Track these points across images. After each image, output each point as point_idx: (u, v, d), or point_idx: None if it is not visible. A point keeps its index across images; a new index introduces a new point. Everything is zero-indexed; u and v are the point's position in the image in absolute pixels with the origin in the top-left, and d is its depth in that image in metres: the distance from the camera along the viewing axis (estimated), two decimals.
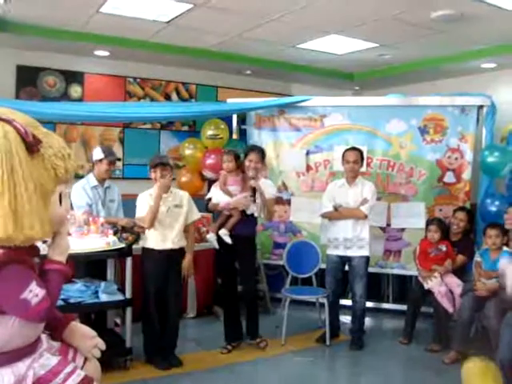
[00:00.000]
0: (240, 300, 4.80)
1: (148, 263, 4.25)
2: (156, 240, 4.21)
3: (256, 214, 4.69)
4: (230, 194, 4.59)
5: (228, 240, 4.54)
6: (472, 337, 4.73)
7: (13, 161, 1.50)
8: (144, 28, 5.47)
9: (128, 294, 4.13)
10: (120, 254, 4.13)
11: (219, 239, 4.58)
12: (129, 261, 4.09)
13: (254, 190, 4.59)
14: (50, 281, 1.72)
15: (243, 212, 4.58)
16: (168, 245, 4.22)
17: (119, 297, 4.14)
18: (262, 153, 4.76)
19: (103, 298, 4.06)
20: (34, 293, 1.61)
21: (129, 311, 4.16)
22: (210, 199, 4.75)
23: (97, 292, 4.08)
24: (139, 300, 4.47)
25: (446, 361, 4.48)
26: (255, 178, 4.66)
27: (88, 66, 6.51)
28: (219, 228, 4.60)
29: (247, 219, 4.63)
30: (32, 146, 1.55)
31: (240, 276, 4.83)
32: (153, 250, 4.22)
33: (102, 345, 1.94)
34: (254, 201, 4.61)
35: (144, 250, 4.29)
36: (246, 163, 4.67)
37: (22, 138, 1.53)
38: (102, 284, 4.17)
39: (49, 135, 1.65)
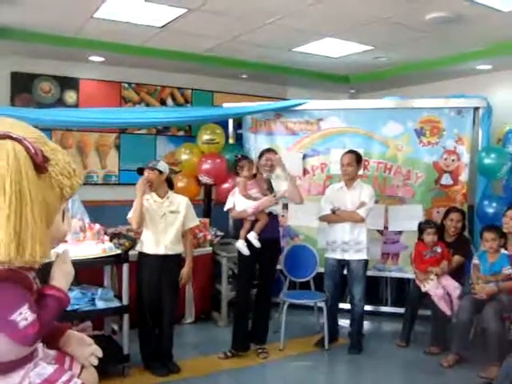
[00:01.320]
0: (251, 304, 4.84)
1: (142, 269, 4.27)
2: (150, 244, 4.22)
3: (280, 214, 4.72)
4: (253, 198, 4.59)
5: (257, 244, 4.53)
6: (471, 339, 4.72)
7: (21, 182, 1.46)
8: (138, 33, 5.45)
9: (125, 301, 4.10)
10: (116, 261, 4.12)
11: (248, 245, 4.56)
12: (125, 267, 4.08)
13: (270, 187, 4.58)
14: (47, 307, 1.68)
15: (270, 214, 4.62)
16: (161, 249, 4.21)
17: (116, 304, 4.11)
18: (276, 153, 4.84)
19: (100, 305, 4.03)
20: (24, 316, 1.57)
21: (125, 318, 4.13)
22: (231, 209, 4.79)
23: (93, 299, 4.05)
24: (136, 306, 4.49)
25: (444, 364, 4.47)
26: (269, 175, 4.69)
27: (83, 72, 6.50)
28: (247, 233, 4.60)
29: (271, 221, 4.64)
30: (41, 166, 1.51)
31: (260, 279, 4.83)
32: (147, 254, 4.22)
33: (99, 352, 1.92)
34: (276, 201, 4.62)
35: (139, 254, 4.30)
36: (262, 163, 4.71)
37: (30, 157, 1.49)
38: (99, 291, 4.14)
39: (56, 151, 1.60)
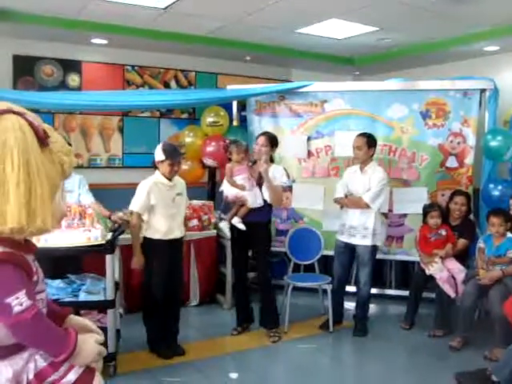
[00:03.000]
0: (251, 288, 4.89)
1: (155, 255, 4.14)
2: (164, 230, 4.12)
3: (269, 201, 4.62)
4: (236, 186, 4.59)
5: (242, 227, 4.58)
6: (476, 322, 4.73)
7: (28, 153, 1.51)
8: (141, 15, 5.40)
9: (109, 295, 3.81)
10: (99, 251, 3.76)
11: (231, 228, 4.65)
12: (108, 258, 3.75)
13: (260, 175, 4.56)
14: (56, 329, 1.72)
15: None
16: (176, 234, 4.21)
17: (100, 297, 3.82)
18: (270, 138, 4.72)
19: (82, 297, 3.80)
20: (20, 301, 1.58)
21: (110, 314, 3.85)
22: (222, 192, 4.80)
23: (80, 290, 3.87)
24: (133, 292, 4.53)
25: (453, 345, 4.47)
26: (258, 160, 4.63)
27: (85, 55, 6.46)
28: (233, 217, 4.64)
29: (259, 207, 4.62)
30: (43, 139, 1.57)
31: (255, 264, 4.84)
32: (161, 240, 4.13)
33: (105, 352, 1.89)
34: (261, 187, 4.57)
35: (150, 241, 4.15)
36: (255, 147, 4.70)
37: (34, 130, 1.55)
38: (88, 281, 4.00)
39: (51, 131, 1.66)
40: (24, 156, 1.50)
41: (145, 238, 4.18)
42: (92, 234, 3.75)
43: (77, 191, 4.69)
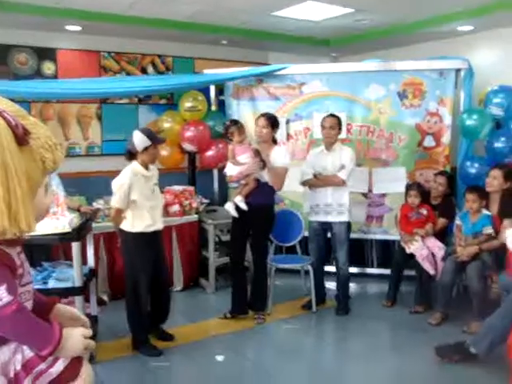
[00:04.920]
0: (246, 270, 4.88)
1: (139, 249, 3.99)
2: (147, 222, 3.98)
3: (270, 183, 4.63)
4: (240, 164, 4.58)
5: (243, 206, 4.55)
6: (454, 297, 4.84)
7: (4, 154, 1.46)
8: (116, 0, 5.34)
9: (78, 282, 3.81)
10: (65, 239, 3.77)
11: (238, 208, 4.60)
12: (75, 246, 3.75)
13: (259, 156, 4.58)
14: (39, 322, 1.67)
15: (258, 180, 4.60)
16: (159, 225, 4.10)
17: (69, 284, 3.82)
18: (271, 118, 4.72)
19: (51, 284, 3.81)
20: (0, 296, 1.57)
21: (78, 300, 3.83)
22: (227, 175, 4.79)
23: (51, 277, 3.88)
24: (118, 279, 4.54)
25: (431, 322, 4.58)
26: (260, 142, 4.68)
27: (60, 42, 6.36)
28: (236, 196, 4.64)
29: (263, 188, 4.62)
30: (22, 138, 1.50)
31: (251, 247, 4.86)
32: (145, 233, 3.98)
33: (93, 345, 1.84)
34: (264, 165, 4.56)
35: (132, 235, 3.98)
36: (256, 129, 4.72)
37: (12, 130, 1.48)
38: (59, 269, 4.00)
39: (36, 125, 1.60)
40: (0, 158, 1.45)
41: (127, 233, 4.02)
42: (60, 223, 3.70)
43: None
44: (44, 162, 1.57)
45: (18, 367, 1.69)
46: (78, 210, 4.46)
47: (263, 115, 4.77)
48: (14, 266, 1.65)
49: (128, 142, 4.00)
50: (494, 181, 4.63)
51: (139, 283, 4.02)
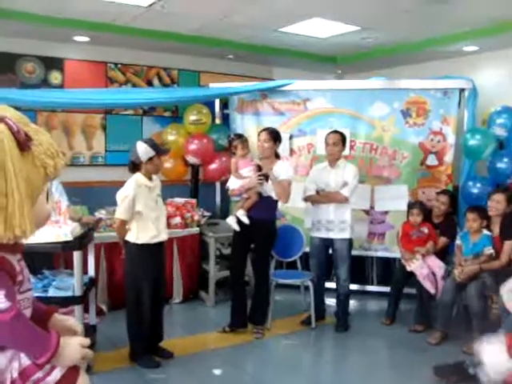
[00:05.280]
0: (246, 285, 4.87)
1: (142, 260, 3.98)
2: (151, 234, 3.97)
3: (274, 197, 4.62)
4: (242, 178, 4.59)
5: (245, 220, 4.55)
6: (454, 316, 4.81)
7: (5, 159, 1.46)
8: (124, 12, 5.39)
9: (77, 291, 3.79)
10: (67, 248, 3.76)
11: (239, 222, 4.59)
12: (76, 255, 3.74)
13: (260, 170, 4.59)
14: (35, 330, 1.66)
15: (260, 194, 4.59)
16: (163, 236, 4.09)
17: (68, 293, 3.81)
18: (273, 133, 4.72)
19: (51, 292, 3.80)
20: None
21: (78, 310, 3.82)
22: (229, 189, 4.78)
23: (51, 286, 3.87)
24: (117, 289, 4.52)
25: (431, 341, 4.56)
26: (262, 157, 4.69)
27: (68, 52, 6.41)
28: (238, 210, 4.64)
29: (265, 202, 4.62)
30: (24, 144, 1.51)
31: (252, 261, 4.85)
32: (146, 244, 3.96)
33: (91, 355, 1.84)
34: (267, 179, 4.54)
35: (135, 246, 3.97)
36: (258, 143, 4.73)
37: (13, 135, 1.49)
38: (59, 277, 4.00)
39: (39, 132, 1.61)
40: (1, 162, 1.45)
41: (131, 244, 4.00)
42: (61, 231, 3.68)
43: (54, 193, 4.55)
44: (45, 169, 1.58)
45: (15, 375, 1.68)
46: (78, 221, 4.45)
47: (265, 129, 4.79)
48: (14, 272, 1.65)
49: (131, 154, 3.99)
50: (498, 205, 4.62)
51: (141, 294, 4.00)
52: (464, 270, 4.48)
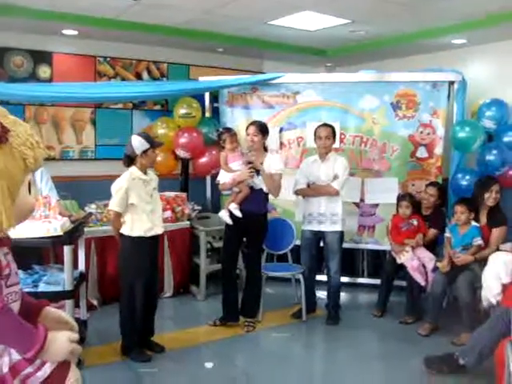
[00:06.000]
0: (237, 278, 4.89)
1: (137, 253, 3.99)
2: (146, 227, 3.98)
3: (265, 190, 4.63)
4: (232, 171, 4.60)
5: (238, 213, 4.55)
6: (444, 308, 4.85)
7: None
8: (112, 6, 5.35)
9: (68, 286, 3.77)
10: (56, 242, 3.76)
11: (231, 215, 4.59)
12: (66, 249, 3.72)
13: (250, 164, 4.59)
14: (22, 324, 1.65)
15: (252, 187, 4.59)
16: (158, 229, 4.09)
17: (59, 288, 3.79)
18: (261, 126, 4.72)
19: (41, 287, 3.77)
20: None
21: (68, 305, 3.78)
22: (219, 183, 4.77)
23: (41, 281, 3.85)
24: (108, 283, 4.48)
25: (421, 333, 4.59)
26: (251, 150, 4.67)
27: (56, 46, 6.36)
28: (230, 204, 4.63)
29: (257, 195, 4.62)
30: (0, 136, 1.50)
31: (244, 254, 4.87)
32: (143, 238, 3.98)
33: (79, 350, 1.82)
34: (258, 173, 4.56)
35: (130, 239, 3.98)
36: (246, 137, 4.71)
37: None
38: (49, 272, 3.99)
39: (16, 123, 1.59)
40: None
41: (126, 237, 4.02)
42: (51, 226, 3.67)
43: (38, 185, 4.44)
44: (25, 160, 1.56)
45: (5, 370, 1.68)
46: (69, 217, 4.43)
47: (253, 123, 4.79)
48: (0, 266, 1.65)
49: (126, 148, 4.01)
50: (497, 195, 4.69)
51: (135, 287, 4.01)
52: (458, 260, 4.51)
